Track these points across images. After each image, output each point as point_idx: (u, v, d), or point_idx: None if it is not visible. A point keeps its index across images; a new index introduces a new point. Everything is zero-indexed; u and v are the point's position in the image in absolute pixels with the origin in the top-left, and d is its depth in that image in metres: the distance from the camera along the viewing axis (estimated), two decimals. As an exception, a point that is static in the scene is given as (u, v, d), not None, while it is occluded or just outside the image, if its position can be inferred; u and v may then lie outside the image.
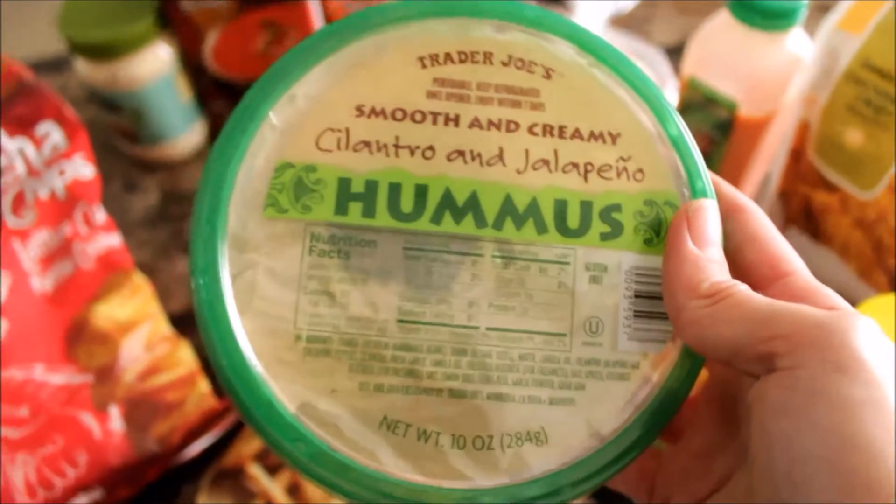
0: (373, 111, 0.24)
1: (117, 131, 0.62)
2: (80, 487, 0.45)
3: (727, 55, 0.49)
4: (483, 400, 0.23)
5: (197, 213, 0.23)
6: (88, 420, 0.45)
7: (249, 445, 0.47)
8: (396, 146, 0.24)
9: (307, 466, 0.22)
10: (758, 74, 0.48)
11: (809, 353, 0.19)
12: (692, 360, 0.24)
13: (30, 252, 0.50)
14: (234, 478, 0.46)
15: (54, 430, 0.45)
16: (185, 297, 0.57)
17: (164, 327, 0.49)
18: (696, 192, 0.24)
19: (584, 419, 0.23)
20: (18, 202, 0.51)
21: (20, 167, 0.53)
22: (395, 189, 0.24)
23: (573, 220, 0.24)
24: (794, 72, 0.49)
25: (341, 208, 0.23)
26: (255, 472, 0.45)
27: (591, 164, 0.24)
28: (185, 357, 0.48)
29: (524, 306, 0.23)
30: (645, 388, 0.23)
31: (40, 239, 0.51)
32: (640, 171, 0.24)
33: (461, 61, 0.24)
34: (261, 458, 0.46)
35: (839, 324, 0.19)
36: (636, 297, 0.24)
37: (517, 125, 0.24)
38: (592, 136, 0.24)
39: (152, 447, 0.46)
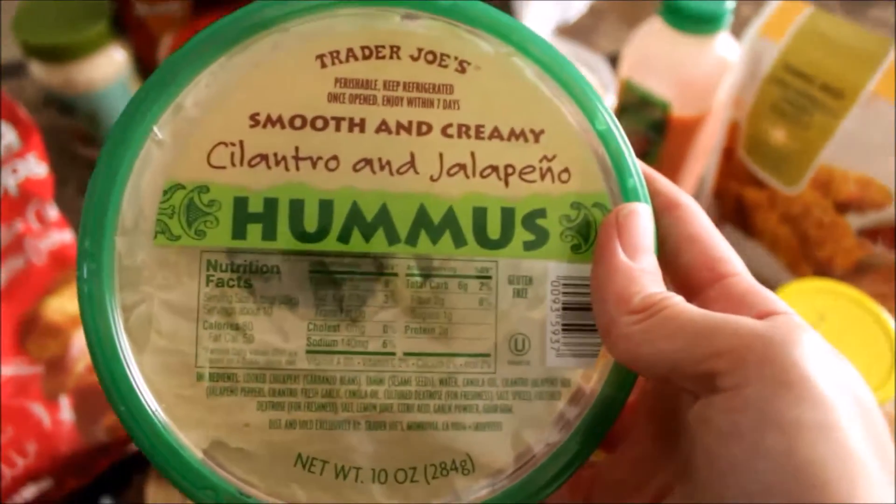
0: (269, 120, 0.22)
1: (73, 135, 0.63)
2: (30, 477, 0.45)
3: (660, 58, 0.52)
4: (403, 430, 0.21)
5: (81, 243, 0.21)
6: (38, 410, 0.46)
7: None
8: (296, 158, 0.21)
9: None
10: (689, 76, 0.51)
11: (753, 372, 0.18)
12: (626, 374, 0.22)
13: (-18, 248, 0.51)
14: (183, 466, 0.47)
15: (4, 420, 0.45)
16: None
17: (115, 321, 0.50)
18: (627, 192, 0.22)
19: (511, 443, 0.21)
20: (-29, 200, 0.52)
21: (-26, 166, 0.53)
22: (296, 206, 0.21)
23: (494, 230, 0.22)
24: (723, 74, 0.51)
25: (239, 232, 0.21)
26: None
27: (511, 166, 0.22)
28: (137, 350, 0.49)
29: (443, 327, 0.22)
30: (576, 405, 0.22)
31: (-7, 235, 0.51)
32: (566, 170, 0.22)
33: (365, 58, 0.22)
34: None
35: (783, 338, 0.18)
36: (564, 309, 0.22)
37: (429, 127, 0.22)
38: (513, 134, 0.22)
39: (103, 437, 0.47)
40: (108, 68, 0.58)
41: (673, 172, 0.56)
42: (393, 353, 0.21)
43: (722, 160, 0.55)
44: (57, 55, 0.56)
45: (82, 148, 0.64)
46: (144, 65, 0.60)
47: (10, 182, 0.53)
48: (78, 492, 0.48)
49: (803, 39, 0.48)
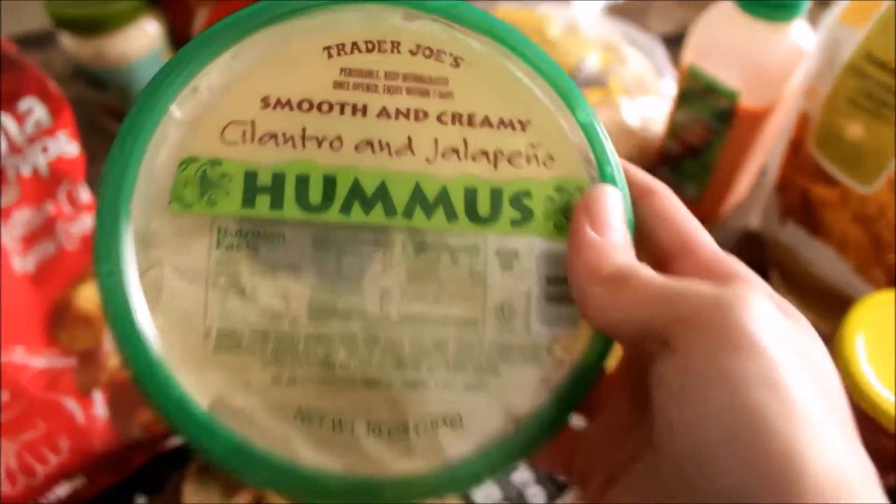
0: (279, 102, 0.23)
1: (104, 110, 0.60)
2: (63, 474, 0.43)
3: (729, 44, 0.48)
4: (397, 388, 0.23)
5: (99, 211, 0.22)
6: (71, 405, 0.44)
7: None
8: (303, 137, 0.23)
9: (224, 461, 0.22)
10: (760, 65, 0.48)
11: (703, 333, 0.19)
12: (604, 341, 0.24)
13: (11, 230, 0.49)
14: (221, 466, 0.45)
15: (36, 415, 0.43)
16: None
17: (150, 311, 0.48)
18: (606, 177, 0.24)
19: (499, 403, 0.23)
20: (0, 178, 0.50)
21: (2, 143, 0.51)
22: (302, 181, 0.23)
23: (483, 208, 0.24)
24: (797, 63, 0.48)
25: (248, 201, 0.23)
26: (244, 460, 0.44)
27: (500, 151, 0.24)
28: (172, 342, 0.47)
29: (436, 294, 0.23)
30: (559, 370, 0.23)
31: (22, 217, 0.49)
32: (551, 157, 0.24)
33: (368, 51, 0.24)
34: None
35: (732, 301, 0.19)
36: (548, 281, 0.24)
37: (426, 114, 0.24)
38: (502, 123, 0.24)
39: (137, 433, 0.45)
40: (142, 41, 0.55)
41: (735, 164, 0.53)
42: (389, 316, 0.23)
43: (788, 152, 0.52)
44: (88, 27, 0.53)
45: (113, 123, 0.61)
46: (178, 38, 0.58)
47: (41, 161, 0.51)
48: (111, 489, 0.46)
49: (887, 29, 0.45)
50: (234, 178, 0.23)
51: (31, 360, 0.45)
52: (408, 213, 0.23)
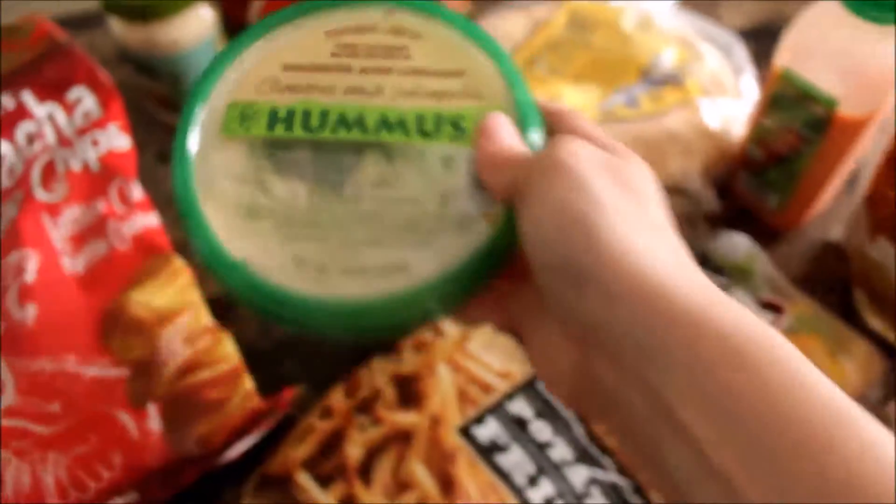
0: (294, 67, 0.35)
1: (152, 97, 0.57)
2: (115, 490, 0.41)
3: (831, 47, 0.45)
4: (362, 244, 0.32)
5: (177, 137, 0.33)
6: (125, 418, 0.42)
7: (297, 450, 0.43)
8: (309, 87, 0.34)
9: (246, 295, 0.32)
10: (864, 70, 0.44)
11: (538, 178, 0.27)
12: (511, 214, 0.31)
13: (60, 229, 0.46)
14: (280, 486, 0.42)
15: (88, 428, 0.41)
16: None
17: (205, 318, 0.45)
18: (518, 105, 0.33)
19: (436, 257, 0.31)
20: (48, 174, 0.47)
21: (50, 135, 0.48)
22: (306, 113, 0.34)
23: (430, 128, 0.33)
24: (903, 69, 0.45)
25: (271, 127, 0.33)
26: (305, 481, 0.42)
27: (443, 91, 0.34)
28: (228, 352, 0.45)
29: (396, 185, 0.32)
30: (481, 236, 0.31)
31: (72, 215, 0.47)
32: (480, 94, 0.33)
33: (356, 32, 0.35)
34: (311, 465, 0.43)
35: (554, 150, 0.27)
36: (474, 176, 0.32)
37: (391, 70, 0.34)
38: (445, 73, 0.34)
39: (192, 448, 0.43)
40: (195, 29, 0.52)
41: (825, 176, 0.50)
42: (363, 199, 0.32)
43: (884, 164, 0.49)
44: (141, 13, 0.51)
45: (162, 112, 0.58)
46: (233, 25, 0.55)
47: (91, 156, 0.48)
48: (163, 505, 0.44)
49: None
50: (262, 113, 0.34)
51: (83, 369, 0.43)
52: (376, 132, 0.33)
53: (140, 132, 0.60)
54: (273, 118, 0.34)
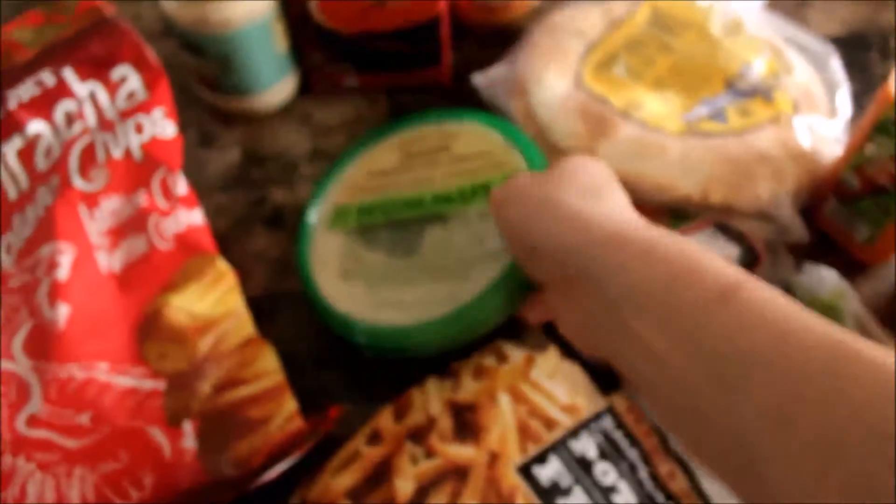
0: (375, 172, 0.49)
1: (197, 76, 0.53)
2: (144, 512, 0.38)
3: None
4: (426, 286, 0.44)
5: (300, 228, 0.49)
6: (158, 436, 0.39)
7: (342, 478, 0.40)
8: (384, 186, 0.48)
9: (353, 335, 0.44)
10: None
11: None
12: None
13: (98, 222, 0.43)
14: (322, 518, 0.39)
15: (119, 443, 0.38)
16: (264, 278, 0.49)
17: (248, 327, 0.42)
18: (530, 163, 0.46)
19: (476, 283, 0.42)
20: (88, 159, 0.44)
21: (90, 116, 0.45)
22: (383, 204, 0.47)
23: (469, 194, 0.46)
24: None
25: (359, 218, 0.48)
26: (350, 517, 0.38)
27: (476, 168, 0.46)
28: (271, 366, 0.41)
29: (451, 238, 0.45)
30: (508, 261, 0.42)
31: (110, 207, 0.43)
32: (501, 164, 0.46)
33: (415, 141, 0.50)
34: (356, 496, 0.39)
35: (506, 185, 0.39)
36: None
37: (438, 161, 0.48)
38: (475, 155, 0.47)
39: (227, 470, 0.40)
40: (251, 7, 0.48)
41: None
42: (425, 255, 0.45)
43: None
44: (193, -12, 0.46)
45: (207, 92, 0.54)
46: (292, 6, 0.50)
47: (133, 142, 0.44)
48: (194, 529, 0.40)
49: None
50: (353, 209, 0.48)
51: (116, 378, 0.39)
52: (433, 207, 0.46)
53: (182, 112, 0.56)
54: (361, 211, 0.48)
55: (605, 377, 0.44)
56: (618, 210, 0.35)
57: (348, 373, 0.46)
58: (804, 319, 0.27)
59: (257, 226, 0.52)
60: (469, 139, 0.48)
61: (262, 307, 0.47)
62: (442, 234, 0.45)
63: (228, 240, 0.50)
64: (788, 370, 0.26)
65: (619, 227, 0.33)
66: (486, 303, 0.42)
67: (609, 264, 0.32)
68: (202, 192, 0.52)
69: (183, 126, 0.55)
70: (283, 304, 0.48)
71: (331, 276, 0.46)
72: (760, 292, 0.28)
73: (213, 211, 0.52)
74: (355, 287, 0.45)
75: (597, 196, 0.35)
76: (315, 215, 0.49)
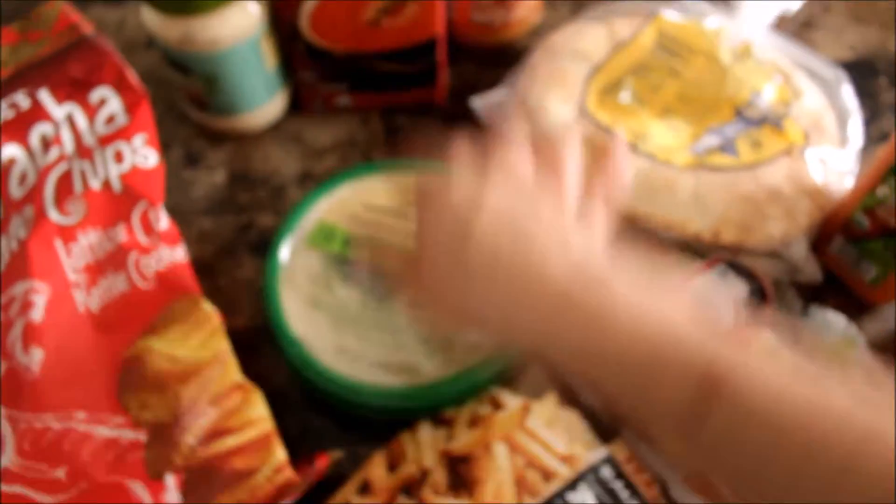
0: (371, 207, 0.46)
1: (183, 93, 0.51)
2: (123, 572, 0.36)
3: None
4: (391, 347, 0.43)
5: (276, 235, 0.45)
6: (139, 490, 0.37)
7: (330, 535, 0.38)
8: (378, 224, 0.46)
9: (295, 365, 0.42)
10: None
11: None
12: None
13: (75, 258, 0.40)
14: (310, 577, 0.37)
15: (97, 500, 0.36)
16: (250, 308, 0.47)
17: (234, 372, 0.40)
18: None
19: (442, 366, 0.42)
20: (64, 189, 0.41)
21: (68, 140, 0.42)
22: (372, 243, 0.45)
23: None
24: None
25: (344, 247, 0.45)
26: (339, 580, 0.37)
27: None
28: (258, 414, 0.39)
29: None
30: (479, 358, 0.42)
31: (88, 241, 0.41)
32: None
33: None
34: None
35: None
36: None
37: None
38: None
39: (212, 525, 0.38)
40: (239, 26, 0.46)
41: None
42: (398, 313, 0.43)
43: None
44: (180, 5, 0.44)
45: (193, 109, 0.52)
46: (282, 22, 0.48)
47: (113, 172, 0.42)
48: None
49: None
50: (340, 235, 0.46)
51: (94, 428, 0.37)
52: None
53: (167, 128, 0.53)
54: (347, 241, 0.45)
55: (604, 425, 0.43)
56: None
57: (337, 411, 0.44)
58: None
59: (243, 253, 0.49)
60: None
61: (248, 341, 0.45)
62: None
63: (213, 268, 0.48)
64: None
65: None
66: (445, 389, 0.41)
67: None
68: (186, 215, 0.50)
69: (167, 144, 0.52)
70: (270, 337, 0.46)
71: (299, 297, 0.44)
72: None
73: (197, 236, 0.49)
74: (320, 320, 0.43)
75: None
76: (299, 225, 0.46)
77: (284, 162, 0.52)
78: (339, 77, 0.51)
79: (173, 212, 0.48)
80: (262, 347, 0.46)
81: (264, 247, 0.49)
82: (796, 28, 0.60)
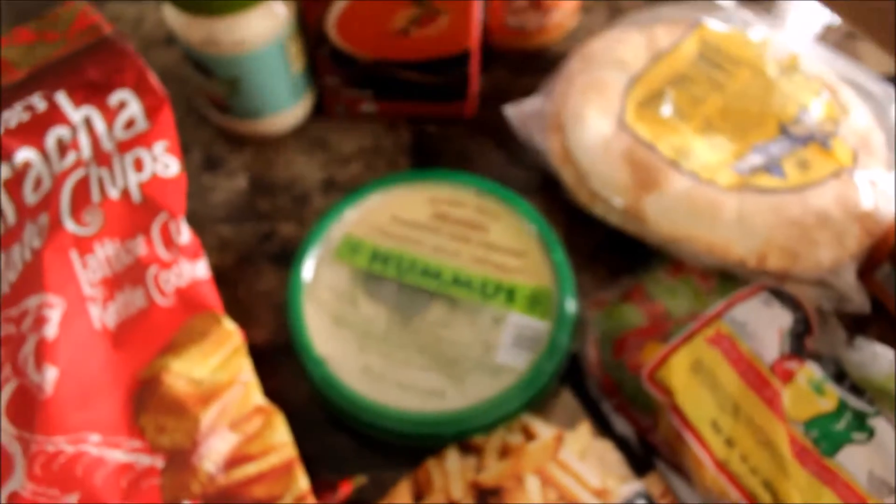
0: (399, 220, 0.45)
1: (204, 95, 0.49)
2: None
3: None
4: (417, 368, 0.41)
5: (300, 248, 0.44)
6: (154, 520, 0.35)
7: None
8: (406, 238, 0.45)
9: (318, 384, 0.41)
10: None
11: None
12: (546, 366, 0.41)
13: (91, 271, 0.39)
14: None
15: (109, 529, 0.35)
16: (271, 322, 0.45)
17: (255, 395, 0.38)
18: (561, 282, 0.43)
19: (470, 393, 0.40)
20: (81, 197, 0.39)
21: (85, 145, 0.40)
22: (399, 258, 0.44)
23: (490, 291, 0.43)
24: None
25: (371, 262, 0.44)
26: None
27: (506, 265, 0.44)
28: (280, 439, 0.38)
29: (455, 328, 0.42)
30: (508, 384, 0.40)
31: (105, 253, 0.39)
32: (533, 274, 0.43)
33: (451, 204, 0.46)
34: None
35: None
36: (516, 334, 0.41)
37: (470, 239, 0.44)
38: (511, 252, 0.44)
39: (229, 556, 0.36)
40: (265, 27, 0.44)
41: None
42: (425, 333, 0.42)
43: None
44: (206, 6, 0.42)
45: (214, 112, 0.50)
46: (308, 25, 0.46)
47: (132, 181, 0.40)
48: None
49: None
50: (367, 250, 0.44)
51: (108, 452, 0.36)
52: (448, 286, 0.43)
53: (186, 130, 0.51)
54: (374, 256, 0.44)
55: (638, 457, 0.41)
56: None
57: (360, 433, 0.43)
58: None
59: (264, 263, 0.47)
60: (507, 229, 0.45)
61: (267, 356, 0.44)
62: (448, 317, 0.42)
63: (232, 278, 0.46)
64: None
65: None
66: (474, 416, 0.39)
67: None
68: (206, 222, 0.48)
69: (186, 146, 0.51)
70: (290, 352, 0.44)
71: (323, 314, 0.42)
72: None
73: (216, 245, 0.48)
74: (345, 338, 0.41)
75: None
76: (325, 238, 0.44)
77: (307, 168, 0.50)
78: (364, 83, 0.49)
79: (191, 218, 0.46)
80: (281, 363, 0.44)
81: (285, 257, 0.48)
82: (840, 39, 0.58)
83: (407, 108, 0.51)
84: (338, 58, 0.47)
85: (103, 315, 0.38)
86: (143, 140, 0.41)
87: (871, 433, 0.38)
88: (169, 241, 0.39)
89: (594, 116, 0.46)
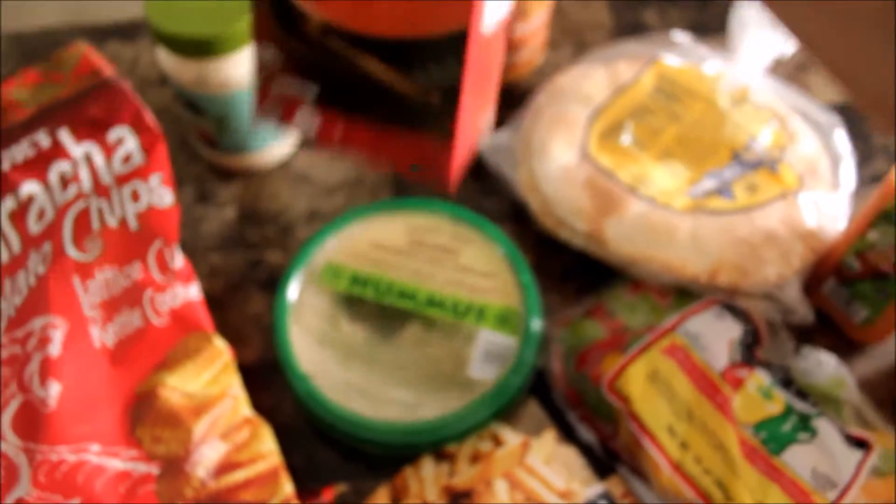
0: (378, 245, 0.48)
1: (195, 131, 0.52)
2: None
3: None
4: (395, 383, 0.44)
5: (285, 274, 0.47)
6: (150, 524, 0.38)
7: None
8: (385, 263, 0.47)
9: (305, 402, 0.43)
10: None
11: None
12: (514, 379, 0.44)
13: (91, 294, 0.42)
14: None
15: (109, 532, 0.37)
16: (260, 344, 0.49)
17: (244, 407, 0.41)
18: (527, 301, 0.46)
19: (441, 404, 0.43)
20: (82, 227, 0.43)
21: (85, 178, 0.44)
22: (377, 282, 0.47)
23: (462, 311, 0.46)
24: None
25: (351, 286, 0.47)
26: None
27: (477, 287, 0.47)
28: (267, 448, 0.41)
29: (430, 346, 0.45)
30: (478, 396, 0.43)
31: (104, 278, 0.42)
32: (501, 294, 0.47)
33: (427, 231, 0.49)
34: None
35: None
36: (486, 349, 0.45)
37: (444, 263, 0.48)
38: (481, 274, 0.47)
39: (220, 558, 0.39)
40: (250, 67, 0.47)
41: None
42: (403, 351, 0.45)
43: None
44: (195, 49, 0.45)
45: (205, 148, 0.53)
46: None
47: (129, 211, 0.43)
48: None
49: None
50: (347, 274, 0.47)
51: (107, 461, 0.38)
52: (423, 306, 0.46)
53: (179, 165, 0.55)
54: (354, 279, 0.47)
55: (600, 461, 0.44)
56: None
57: (343, 445, 0.46)
58: None
59: (252, 288, 0.51)
60: (478, 253, 0.48)
61: (256, 374, 0.47)
62: (422, 335, 0.45)
63: (222, 302, 0.50)
64: None
65: None
66: (448, 425, 0.43)
67: None
68: (198, 251, 0.51)
69: (179, 180, 0.54)
70: (277, 371, 0.47)
71: (307, 334, 0.45)
72: None
73: (208, 272, 0.51)
74: (328, 356, 0.44)
75: None
76: (307, 264, 0.47)
77: (293, 200, 0.54)
78: (308, 70, 0.35)
79: (184, 247, 0.50)
80: (269, 380, 0.47)
81: (273, 283, 0.51)
82: (791, 71, 0.62)
83: (359, 136, 0.35)
84: (281, 10, 0.33)
85: (103, 334, 0.41)
86: (140, 173, 0.44)
87: (814, 433, 0.42)
88: (164, 266, 0.42)
89: (559, 148, 0.50)
